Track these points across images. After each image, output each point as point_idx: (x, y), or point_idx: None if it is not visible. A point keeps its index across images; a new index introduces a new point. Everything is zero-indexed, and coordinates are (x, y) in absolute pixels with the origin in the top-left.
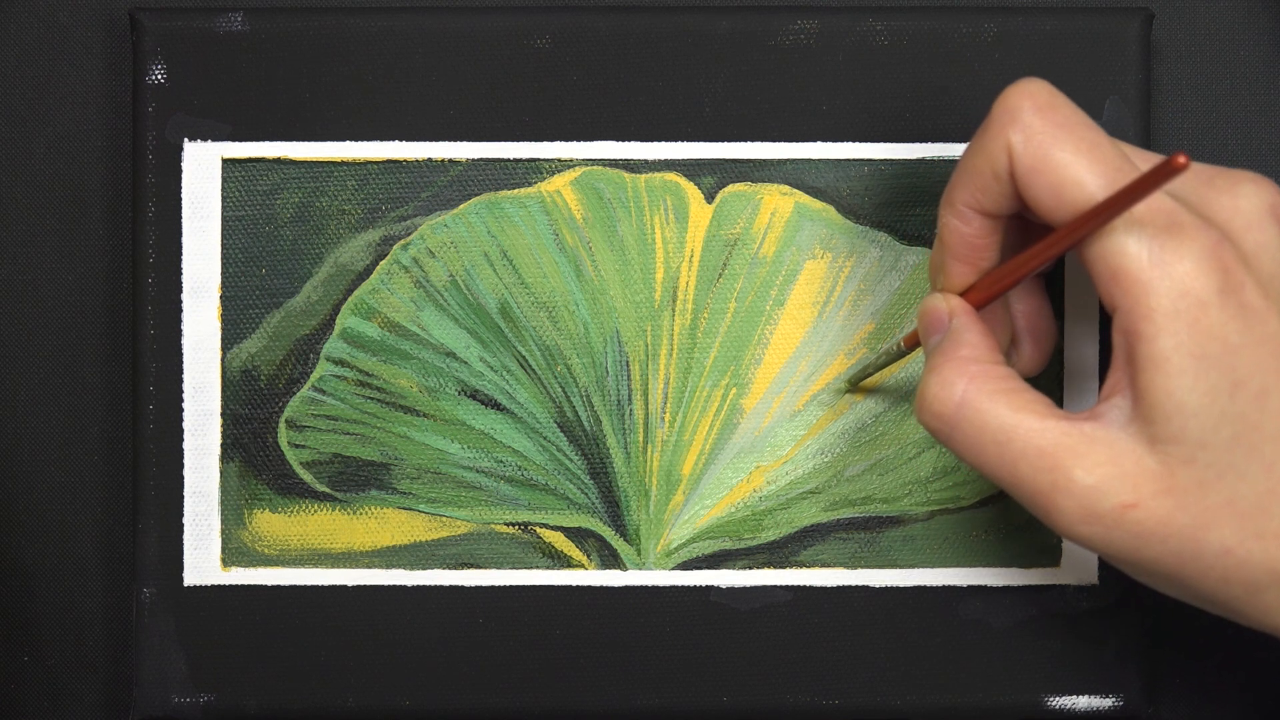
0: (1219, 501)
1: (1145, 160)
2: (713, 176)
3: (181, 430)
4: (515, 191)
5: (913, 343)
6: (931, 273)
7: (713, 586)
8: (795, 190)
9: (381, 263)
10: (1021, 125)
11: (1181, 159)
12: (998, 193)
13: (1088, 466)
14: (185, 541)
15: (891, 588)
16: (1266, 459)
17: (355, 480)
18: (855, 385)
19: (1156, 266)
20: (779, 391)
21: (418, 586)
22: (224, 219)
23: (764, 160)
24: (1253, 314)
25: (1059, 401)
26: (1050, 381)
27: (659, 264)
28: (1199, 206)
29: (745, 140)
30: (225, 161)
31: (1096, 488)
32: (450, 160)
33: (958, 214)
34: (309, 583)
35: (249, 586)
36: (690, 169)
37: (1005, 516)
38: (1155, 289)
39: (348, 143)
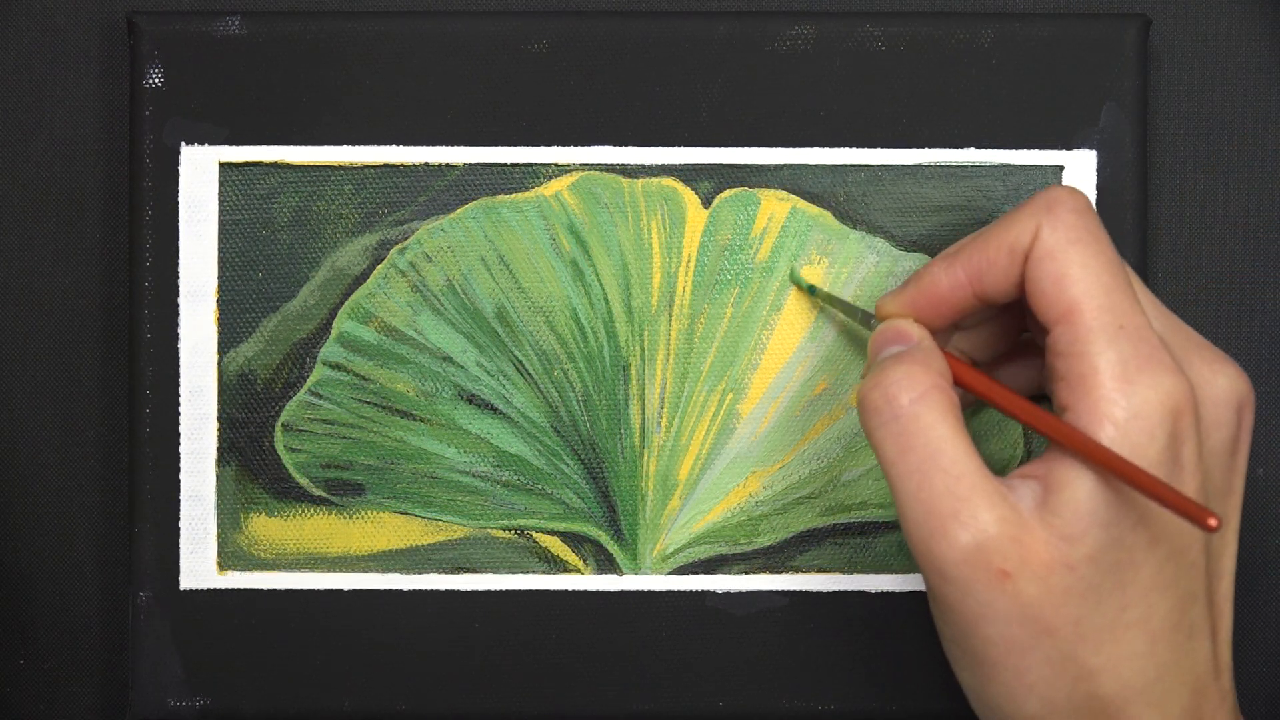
0: (1071, 616)
1: (1157, 311)
2: (710, 181)
3: (178, 434)
4: (512, 196)
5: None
6: (881, 305)
7: (709, 591)
8: (792, 195)
9: (378, 267)
10: (1056, 216)
11: (1213, 521)
12: (1001, 268)
13: (995, 516)
14: (181, 545)
15: (887, 593)
16: (1125, 600)
17: (351, 484)
18: (808, 289)
19: (1126, 382)
20: (775, 396)
21: (414, 591)
22: (221, 223)
23: (761, 165)
24: (1179, 469)
25: None
26: None
27: (656, 268)
28: (1181, 364)
29: (742, 145)
30: (222, 165)
31: (993, 538)
32: (447, 165)
33: (950, 271)
34: (305, 587)
35: (245, 590)
36: (687, 174)
37: None
38: (1115, 401)
39: (345, 147)
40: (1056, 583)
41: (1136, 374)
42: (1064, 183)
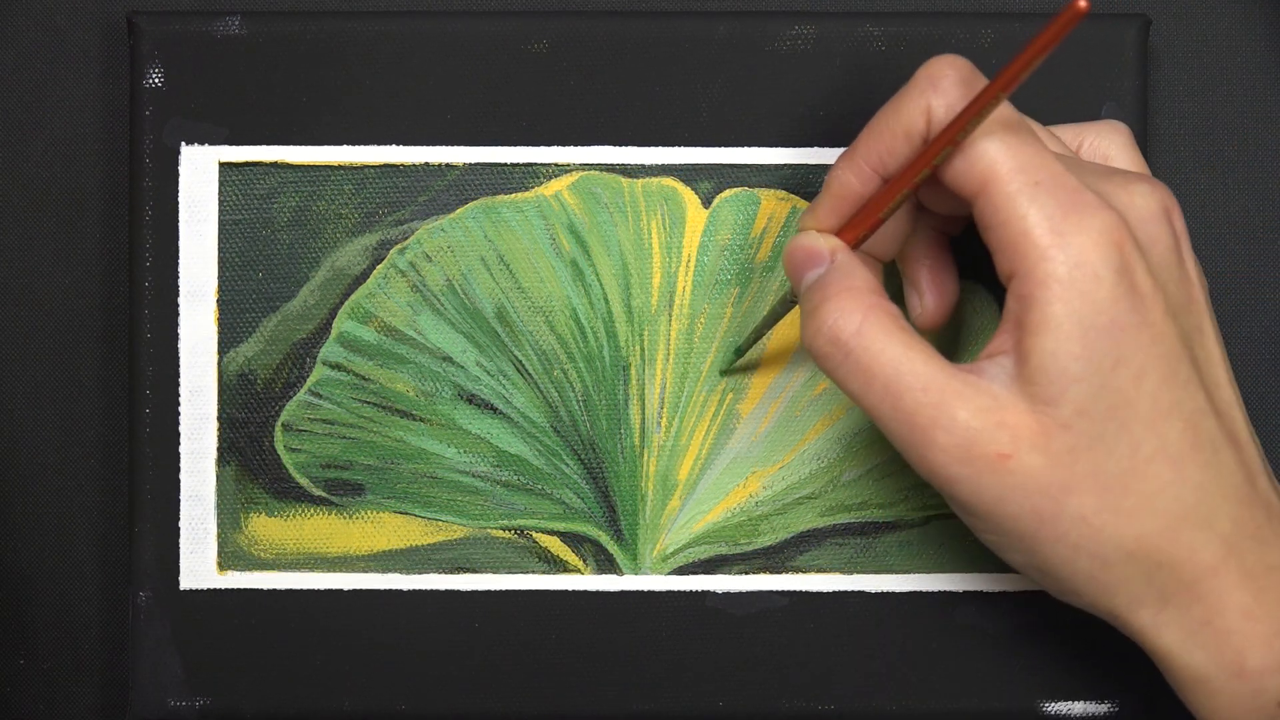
0: (1086, 470)
1: (1055, 144)
2: (710, 181)
3: (178, 434)
4: (512, 196)
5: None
6: (801, 221)
7: (709, 591)
8: (792, 195)
9: (378, 267)
10: (942, 91)
11: (1082, 3)
12: (902, 154)
13: (971, 410)
14: (181, 545)
15: (887, 593)
16: (1134, 438)
17: (351, 484)
18: (742, 354)
19: (1057, 235)
20: (775, 396)
21: (414, 591)
22: (221, 223)
23: (761, 165)
24: (1140, 297)
25: None
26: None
27: (656, 269)
28: (1098, 195)
29: (742, 145)
30: (222, 165)
31: (978, 431)
32: (447, 164)
33: (855, 169)
34: (305, 587)
35: (245, 590)
36: (687, 174)
37: None
38: (1053, 257)
39: (345, 147)
40: (1058, 445)
41: (1063, 224)
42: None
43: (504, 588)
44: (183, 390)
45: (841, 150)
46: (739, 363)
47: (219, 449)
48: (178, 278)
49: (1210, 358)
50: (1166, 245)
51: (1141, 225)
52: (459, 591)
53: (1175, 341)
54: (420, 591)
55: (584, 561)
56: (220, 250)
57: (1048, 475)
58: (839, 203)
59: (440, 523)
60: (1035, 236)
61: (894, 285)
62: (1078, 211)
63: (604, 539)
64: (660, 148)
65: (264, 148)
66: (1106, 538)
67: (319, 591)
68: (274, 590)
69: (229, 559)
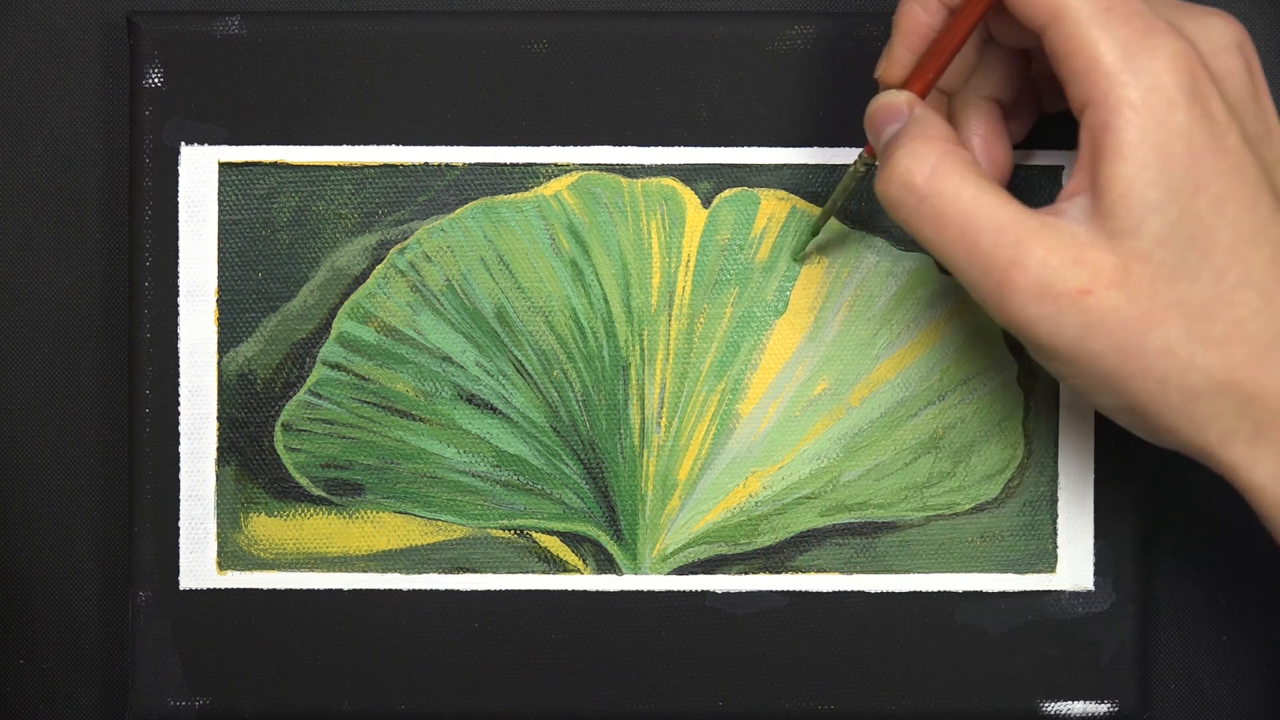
0: (1169, 301)
1: None
2: (709, 181)
3: (178, 434)
4: (512, 196)
5: (874, 153)
6: (878, 72)
7: (708, 591)
8: (792, 195)
9: (378, 267)
10: None
11: None
12: None
13: (1049, 248)
14: (181, 545)
15: (887, 593)
16: (1218, 266)
17: (351, 484)
18: (817, 232)
19: (1129, 61)
20: (775, 396)
21: (413, 591)
22: (220, 223)
23: (760, 165)
24: (1216, 124)
25: None
26: None
27: (655, 269)
28: (1169, 24)
29: (742, 145)
30: (222, 165)
31: (1056, 269)
32: (447, 165)
33: (923, 2)
34: (304, 586)
35: (245, 590)
36: (687, 174)
37: (1001, 522)
38: (1126, 82)
39: (344, 147)
40: (1138, 278)
41: (1137, 50)
42: (1064, 183)
43: (504, 588)
44: (183, 390)
45: (841, 150)
46: (811, 243)
47: (219, 449)
48: (178, 278)
49: None
50: (1241, 77)
51: (1214, 56)
52: (459, 591)
53: (1254, 169)
54: (420, 591)
55: (584, 561)
56: (220, 250)
57: (1129, 309)
58: (909, 38)
59: (440, 523)
60: (1107, 63)
61: None
62: (1150, 37)
63: (604, 539)
64: (660, 148)
65: (264, 148)
66: (1195, 368)
67: (319, 591)
68: (274, 590)
69: (229, 559)
